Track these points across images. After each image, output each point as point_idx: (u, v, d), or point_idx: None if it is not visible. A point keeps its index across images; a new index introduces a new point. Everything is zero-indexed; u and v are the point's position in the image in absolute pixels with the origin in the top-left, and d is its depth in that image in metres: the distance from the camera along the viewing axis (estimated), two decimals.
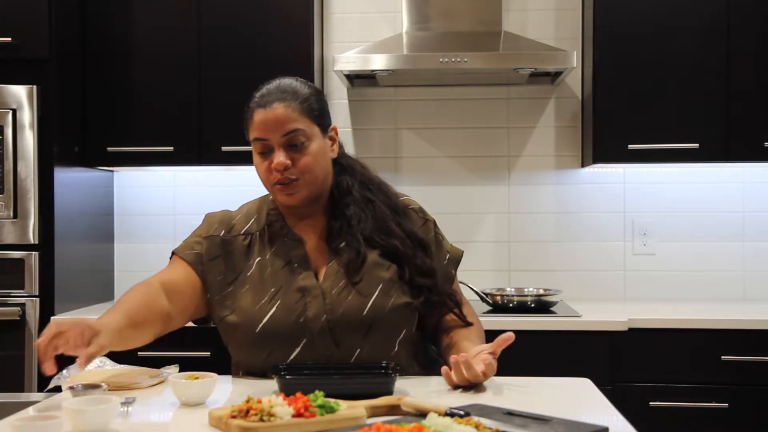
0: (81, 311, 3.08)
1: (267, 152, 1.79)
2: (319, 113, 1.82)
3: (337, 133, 1.89)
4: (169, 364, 1.86)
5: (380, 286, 1.79)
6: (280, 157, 1.77)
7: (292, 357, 1.76)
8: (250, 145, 3.20)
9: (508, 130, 3.47)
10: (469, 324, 1.88)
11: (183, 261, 1.85)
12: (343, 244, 1.82)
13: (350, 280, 1.78)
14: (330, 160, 1.86)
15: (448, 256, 1.93)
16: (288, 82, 1.82)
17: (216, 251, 1.85)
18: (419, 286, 1.81)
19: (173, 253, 1.89)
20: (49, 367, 1.51)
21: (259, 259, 1.84)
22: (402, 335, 1.80)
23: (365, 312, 1.76)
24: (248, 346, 1.79)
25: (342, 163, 1.91)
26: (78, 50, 3.19)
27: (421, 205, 1.98)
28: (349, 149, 3.46)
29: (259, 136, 1.79)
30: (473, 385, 1.65)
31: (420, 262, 1.83)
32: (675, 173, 3.42)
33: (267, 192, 1.89)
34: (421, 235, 1.89)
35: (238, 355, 1.86)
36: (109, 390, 1.63)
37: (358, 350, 1.76)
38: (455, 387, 1.65)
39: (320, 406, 1.37)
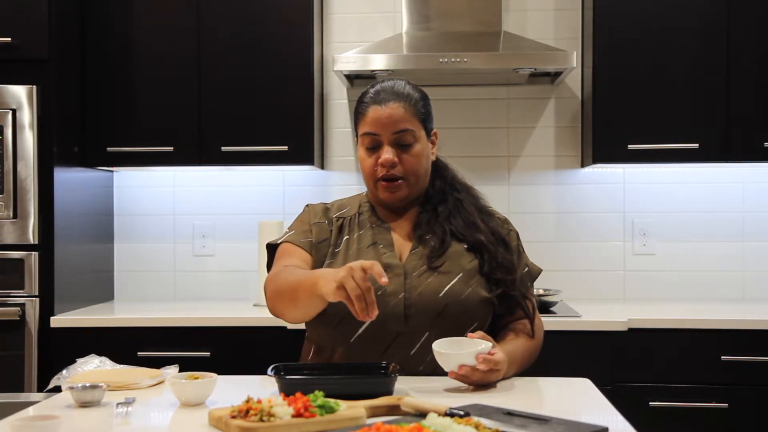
0: (81, 311, 3.08)
1: (375, 148, 1.89)
2: (426, 117, 1.94)
3: (437, 137, 1.99)
4: (169, 364, 1.86)
5: (460, 274, 1.84)
6: (388, 154, 1.87)
7: (361, 330, 1.79)
8: (249, 146, 3.22)
9: (508, 130, 3.47)
10: (531, 336, 1.89)
11: (299, 248, 1.91)
12: (429, 235, 1.90)
13: (430, 265, 1.84)
14: (430, 163, 1.96)
15: (526, 269, 1.97)
16: (402, 84, 1.93)
17: (323, 235, 1.94)
18: (498, 280, 1.86)
19: (275, 245, 1.94)
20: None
21: (347, 237, 1.93)
22: (472, 328, 1.82)
23: (441, 294, 1.81)
24: (322, 315, 1.79)
25: (437, 165, 2.00)
26: (78, 50, 3.19)
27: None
28: (350, 150, 3.48)
29: (371, 131, 1.88)
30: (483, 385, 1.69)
31: (501, 258, 1.88)
32: (675, 173, 3.42)
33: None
34: (507, 238, 1.95)
35: (311, 327, 1.90)
36: (108, 390, 1.63)
37: (427, 333, 1.79)
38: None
39: (320, 406, 1.37)
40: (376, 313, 1.56)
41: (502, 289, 1.85)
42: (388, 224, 1.95)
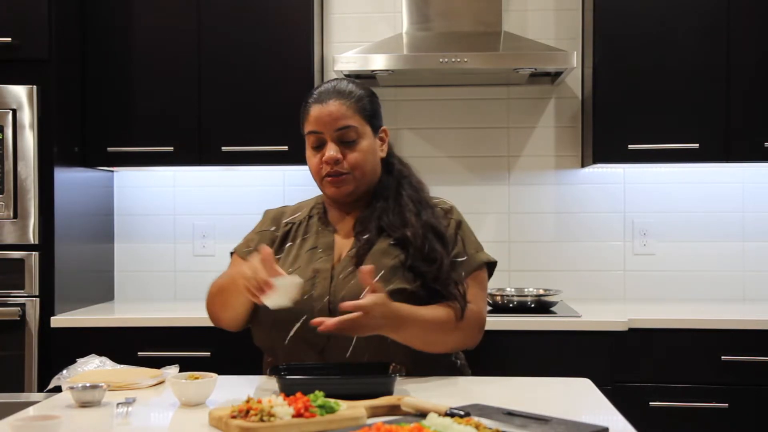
0: (81, 311, 3.08)
1: (319, 146, 1.92)
2: (371, 113, 1.94)
3: (387, 135, 2.00)
4: (169, 364, 1.86)
5: (381, 273, 1.83)
6: (331, 151, 1.88)
7: (292, 332, 1.82)
8: (249, 146, 3.23)
9: (508, 130, 3.47)
10: (458, 316, 1.83)
11: (240, 258, 1.95)
12: (365, 233, 1.91)
13: (357, 265, 1.85)
14: (379, 159, 1.97)
15: (464, 257, 1.92)
16: (345, 83, 1.96)
17: (264, 242, 1.95)
18: (421, 273, 1.84)
19: (232, 253, 2.03)
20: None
21: (290, 244, 1.97)
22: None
23: (362, 296, 1.77)
24: (257, 321, 1.88)
25: (389, 162, 2.00)
26: (78, 50, 3.19)
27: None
28: None
29: (314, 130, 1.91)
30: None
31: (428, 250, 1.85)
32: (675, 173, 3.42)
33: (316, 194, 2.04)
34: (441, 228, 1.91)
35: (254, 332, 1.95)
36: (109, 390, 1.63)
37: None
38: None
39: (320, 407, 1.38)
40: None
41: (422, 281, 1.83)
42: (332, 227, 1.97)
